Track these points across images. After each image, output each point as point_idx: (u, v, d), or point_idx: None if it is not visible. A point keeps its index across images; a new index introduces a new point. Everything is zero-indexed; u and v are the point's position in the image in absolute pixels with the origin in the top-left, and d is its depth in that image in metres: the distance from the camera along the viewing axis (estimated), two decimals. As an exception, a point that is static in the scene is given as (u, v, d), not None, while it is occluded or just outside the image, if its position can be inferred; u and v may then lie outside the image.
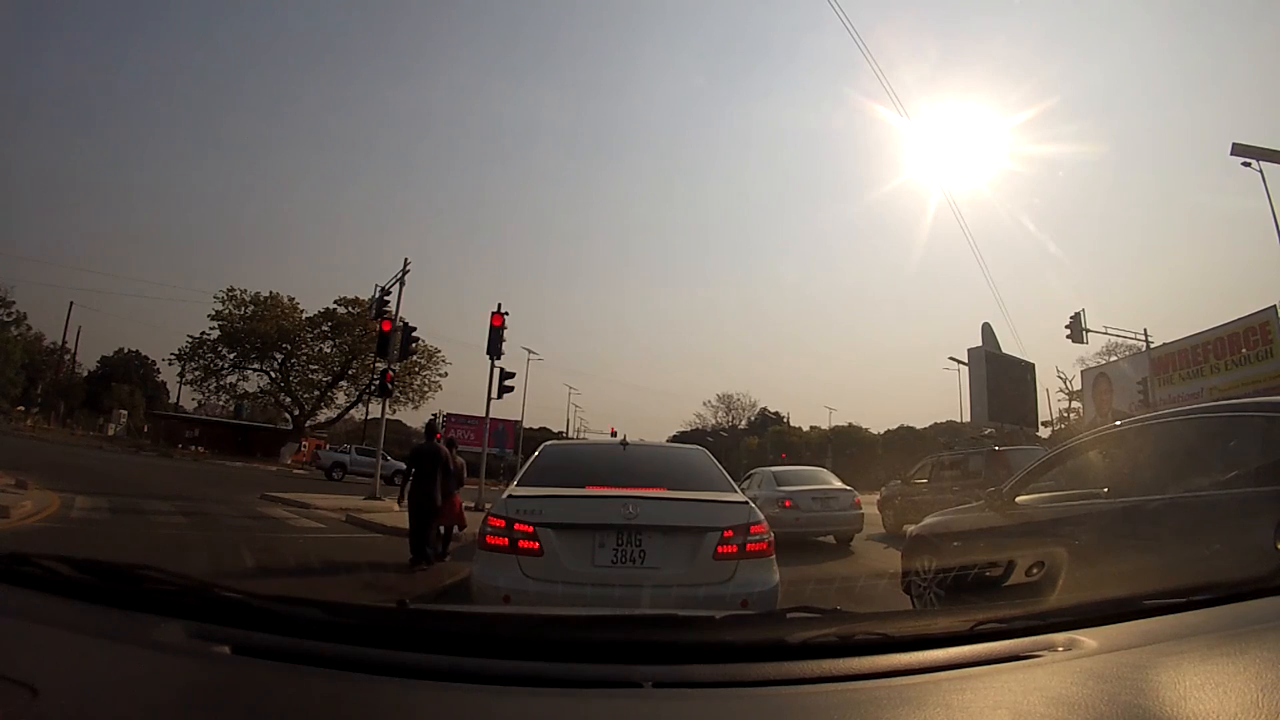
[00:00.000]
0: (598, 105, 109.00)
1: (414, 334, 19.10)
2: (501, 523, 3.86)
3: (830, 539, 11.74)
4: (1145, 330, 28.84)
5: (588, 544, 3.80)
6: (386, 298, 19.60)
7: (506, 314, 17.25)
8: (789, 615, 1.56)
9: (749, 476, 14.33)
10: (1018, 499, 4.67)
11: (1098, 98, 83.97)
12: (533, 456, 4.93)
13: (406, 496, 8.60)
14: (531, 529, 3.77)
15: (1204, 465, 3.75)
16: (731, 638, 1.41)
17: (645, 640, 1.35)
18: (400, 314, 19.05)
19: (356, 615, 1.42)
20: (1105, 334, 29.11)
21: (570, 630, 1.47)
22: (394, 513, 14.49)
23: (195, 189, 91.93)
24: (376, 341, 18.75)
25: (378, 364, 19.01)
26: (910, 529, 6.05)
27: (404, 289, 19.34)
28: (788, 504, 11.45)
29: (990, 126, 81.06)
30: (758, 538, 3.94)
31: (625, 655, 1.24)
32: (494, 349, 17.14)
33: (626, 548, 3.79)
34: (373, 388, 43.14)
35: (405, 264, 19.44)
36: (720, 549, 3.83)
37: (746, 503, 4.24)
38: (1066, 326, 27.69)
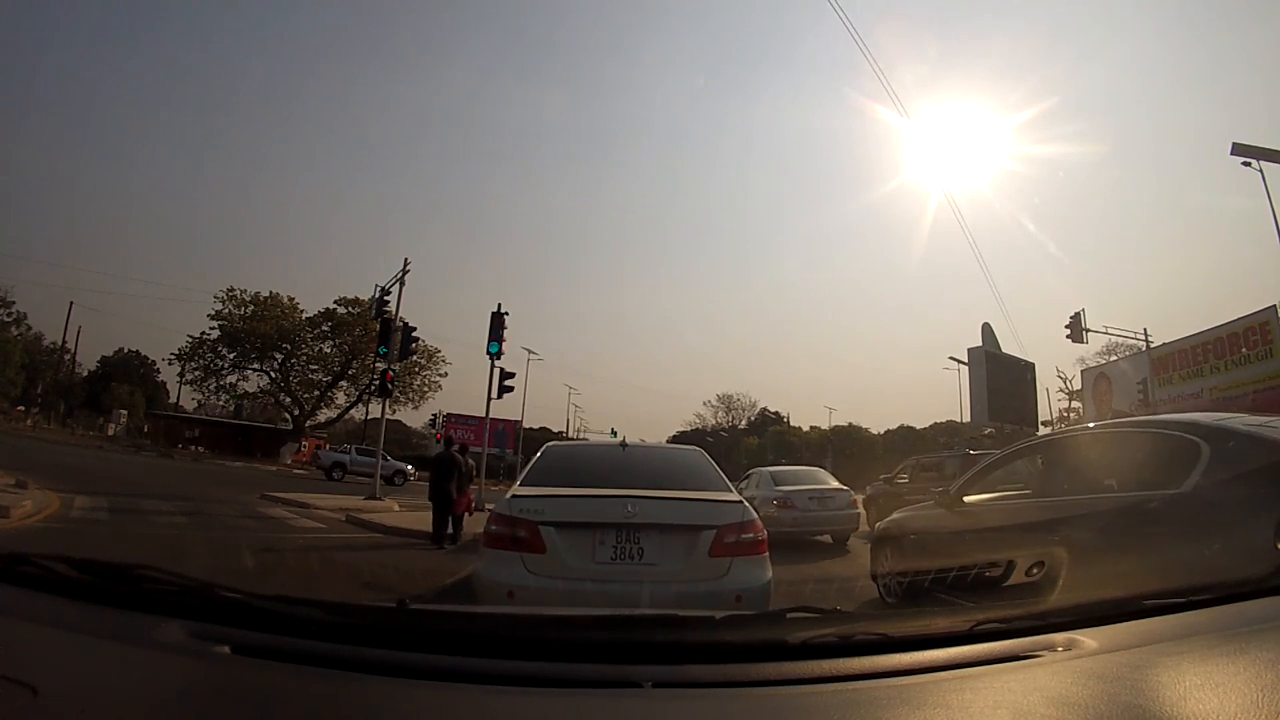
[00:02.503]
0: (598, 105, 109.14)
1: (414, 334, 19.05)
2: (505, 521, 3.96)
3: (827, 538, 11.89)
4: (1145, 330, 28.75)
5: (588, 541, 3.90)
6: (386, 298, 19.56)
7: (506, 314, 17.29)
8: (789, 615, 1.55)
9: (747, 476, 14.68)
10: (965, 498, 5.09)
11: (1097, 98, 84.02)
12: (535, 457, 5.02)
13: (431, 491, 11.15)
14: (534, 527, 3.87)
15: (1109, 472, 4.24)
16: (731, 638, 1.41)
17: (645, 640, 1.36)
18: (400, 314, 19.01)
19: (356, 615, 1.42)
20: (1105, 334, 29.06)
21: (570, 630, 1.48)
22: (394, 513, 14.56)
23: (196, 188, 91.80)
24: (376, 341, 18.72)
25: (377, 364, 18.87)
26: (879, 525, 6.45)
27: (404, 289, 19.32)
28: (784, 503, 11.67)
29: (990, 126, 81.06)
30: (752, 536, 4.04)
31: (625, 655, 1.24)
32: (494, 348, 17.12)
33: (625, 545, 3.89)
34: (373, 388, 43.11)
35: (405, 264, 19.41)
36: (715, 546, 3.92)
37: (741, 502, 4.32)
38: (1066, 326, 27.61)
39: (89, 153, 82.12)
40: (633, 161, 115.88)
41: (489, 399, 17.88)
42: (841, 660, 1.22)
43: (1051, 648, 1.29)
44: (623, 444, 5.34)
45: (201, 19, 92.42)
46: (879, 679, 1.16)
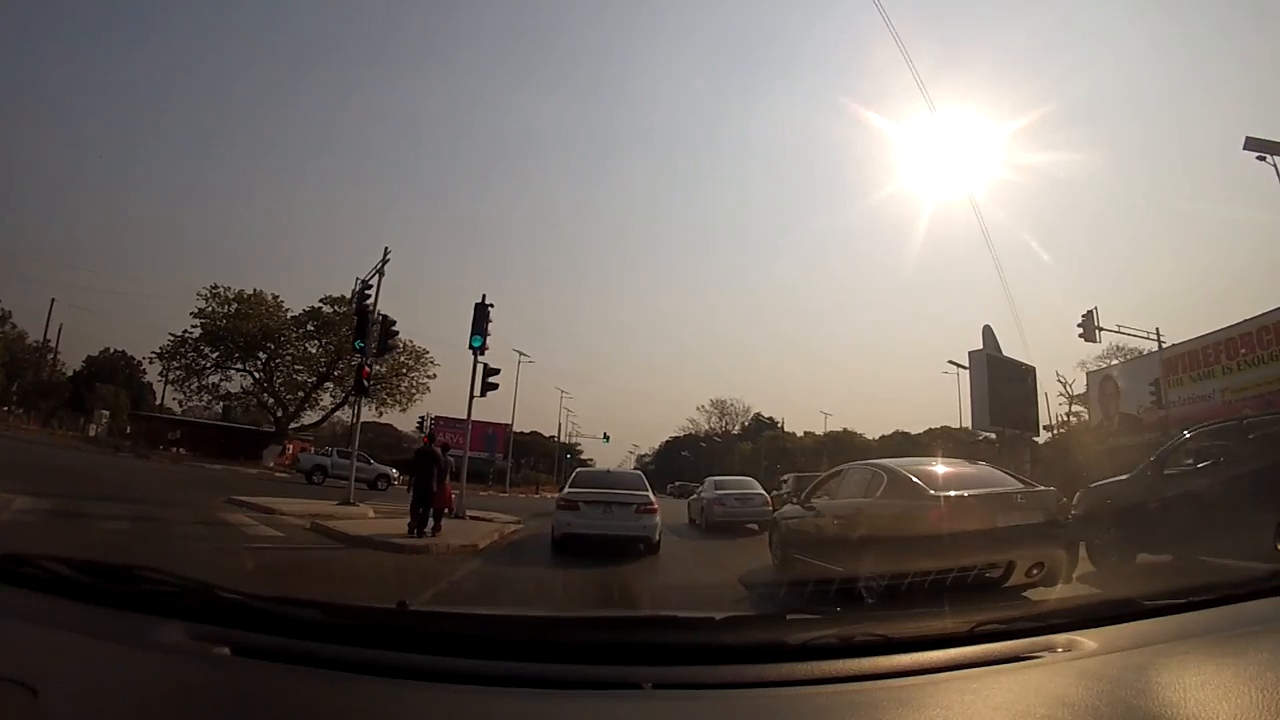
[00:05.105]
0: (595, 109, 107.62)
1: (394, 329, 17.88)
2: (566, 500, 11.21)
3: (755, 526, 15.97)
4: (1157, 329, 27.84)
5: (593, 509, 10.78)
6: (368, 291, 18.28)
7: (491, 305, 16.40)
8: (789, 617, 1.59)
9: (702, 483, 21.51)
10: (812, 500, 8.67)
11: (1098, 102, 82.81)
12: (571, 476, 13.40)
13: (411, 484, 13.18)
14: (576, 502, 11.00)
15: (853, 489, 7.70)
16: (731, 639, 1.42)
17: (645, 642, 1.38)
18: (386, 310, 17.88)
19: (356, 616, 1.43)
20: (1118, 332, 28.13)
21: (570, 631, 1.49)
22: (366, 520, 13.54)
23: (192, 188, 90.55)
24: (353, 336, 17.58)
25: (359, 360, 17.62)
26: (773, 515, 11.86)
27: (386, 281, 18.03)
28: (719, 502, 17.41)
29: (987, 132, 79.79)
30: (652, 507, 10.89)
31: (625, 656, 1.26)
32: (477, 342, 16.07)
33: (607, 510, 10.75)
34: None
35: (385, 253, 18.25)
36: (636, 511, 10.73)
37: (648, 493, 11.38)
38: (1079, 325, 26.95)
39: (80, 150, 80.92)
40: (629, 166, 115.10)
41: (471, 396, 16.96)
42: (841, 661, 1.24)
43: (1051, 649, 1.30)
44: (608, 470, 15.88)
45: (196, 18, 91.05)
46: (879, 680, 1.18)
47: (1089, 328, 26.44)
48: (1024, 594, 5.60)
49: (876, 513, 6.82)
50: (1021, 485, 6.92)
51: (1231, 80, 73.22)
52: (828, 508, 8.04)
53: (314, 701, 1.05)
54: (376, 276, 18.03)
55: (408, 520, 11.69)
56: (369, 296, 17.95)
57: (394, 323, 17.72)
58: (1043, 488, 7.17)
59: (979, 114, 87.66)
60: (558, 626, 1.60)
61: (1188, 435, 8.96)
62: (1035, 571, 5.66)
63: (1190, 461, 8.11)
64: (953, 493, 6.34)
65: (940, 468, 7.29)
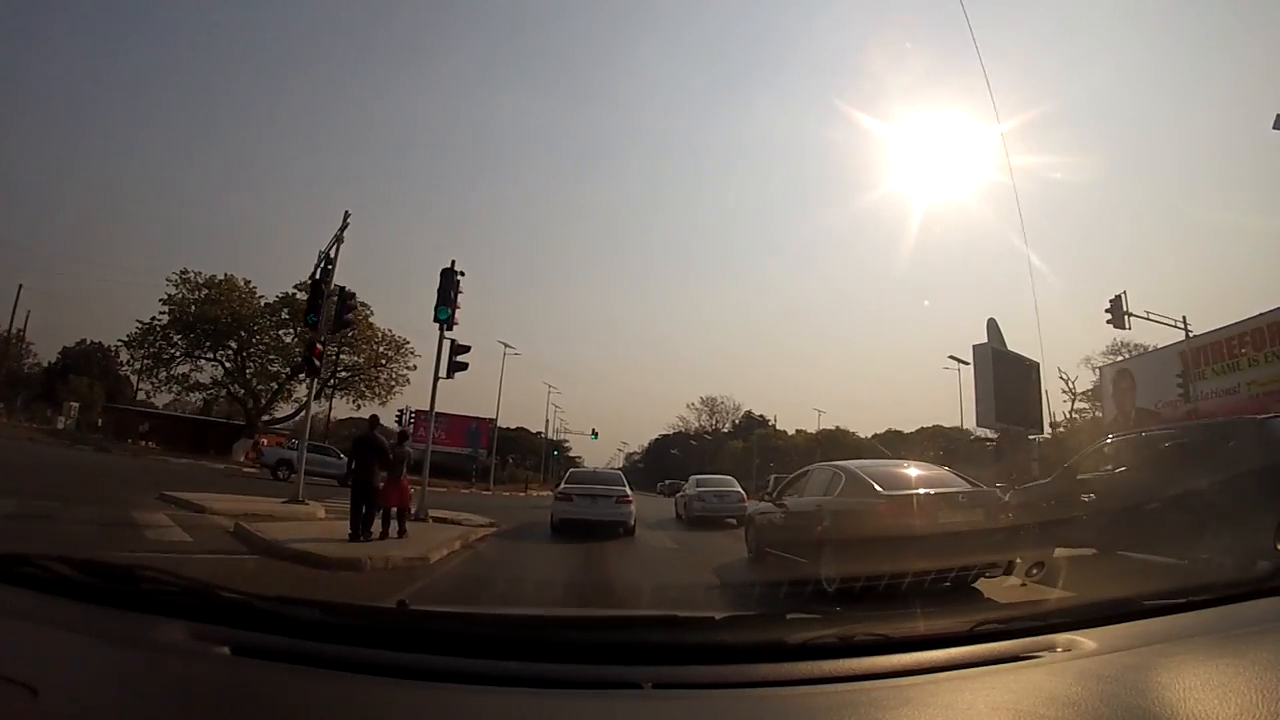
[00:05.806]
0: (589, 110, 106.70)
1: (352, 301, 15.88)
2: (564, 493, 14.63)
3: (733, 521, 17.23)
4: (1184, 318, 26.59)
5: (583, 500, 14.11)
6: (330, 266, 16.09)
7: (461, 274, 14.83)
8: (789, 617, 1.60)
9: (687, 480, 23.65)
10: (783, 498, 9.59)
11: (1094, 104, 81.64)
12: (567, 474, 18.62)
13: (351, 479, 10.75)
14: (570, 494, 14.40)
15: (814, 487, 8.58)
16: (731, 639, 1.43)
17: (645, 641, 1.39)
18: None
19: (356, 616, 1.45)
20: (1147, 319, 26.55)
21: (570, 631, 1.51)
22: (313, 521, 11.72)
23: (181, 179, 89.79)
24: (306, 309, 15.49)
25: (327, 343, 15.54)
26: (747, 511, 13.52)
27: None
28: (699, 498, 19.53)
29: (983, 132, 78.53)
30: (628, 499, 14.35)
31: (625, 656, 1.26)
32: (444, 314, 14.27)
33: (594, 500, 14.07)
34: (333, 382, 39.00)
35: (345, 218, 15.57)
36: (616, 501, 14.15)
37: (625, 486, 14.99)
38: (1106, 311, 25.69)
39: (65, 136, 78.14)
40: (621, 163, 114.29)
41: (436, 378, 15.16)
42: (841, 661, 1.24)
43: (1051, 648, 1.30)
44: (595, 470, 21.53)
45: (189, 7, 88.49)
46: (879, 680, 1.18)
47: (1118, 314, 25.37)
48: (973, 585, 6.50)
49: (834, 509, 7.61)
50: (967, 486, 7.54)
51: (1230, 81, 72.13)
52: (795, 504, 8.90)
53: (314, 701, 1.05)
54: (336, 245, 15.76)
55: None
56: (331, 271, 15.83)
57: (353, 295, 15.76)
58: (986, 488, 7.94)
59: (973, 115, 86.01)
60: (557, 626, 1.62)
61: (1108, 441, 10.19)
62: (979, 566, 6.24)
63: (1108, 467, 9.11)
64: (899, 492, 7.08)
65: (896, 469, 8.25)
